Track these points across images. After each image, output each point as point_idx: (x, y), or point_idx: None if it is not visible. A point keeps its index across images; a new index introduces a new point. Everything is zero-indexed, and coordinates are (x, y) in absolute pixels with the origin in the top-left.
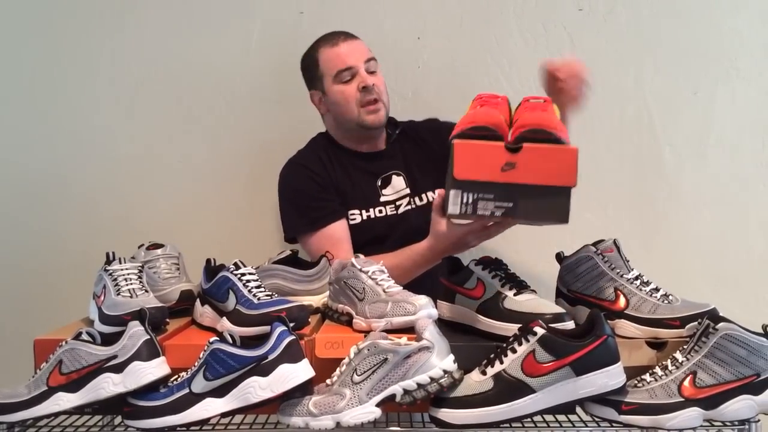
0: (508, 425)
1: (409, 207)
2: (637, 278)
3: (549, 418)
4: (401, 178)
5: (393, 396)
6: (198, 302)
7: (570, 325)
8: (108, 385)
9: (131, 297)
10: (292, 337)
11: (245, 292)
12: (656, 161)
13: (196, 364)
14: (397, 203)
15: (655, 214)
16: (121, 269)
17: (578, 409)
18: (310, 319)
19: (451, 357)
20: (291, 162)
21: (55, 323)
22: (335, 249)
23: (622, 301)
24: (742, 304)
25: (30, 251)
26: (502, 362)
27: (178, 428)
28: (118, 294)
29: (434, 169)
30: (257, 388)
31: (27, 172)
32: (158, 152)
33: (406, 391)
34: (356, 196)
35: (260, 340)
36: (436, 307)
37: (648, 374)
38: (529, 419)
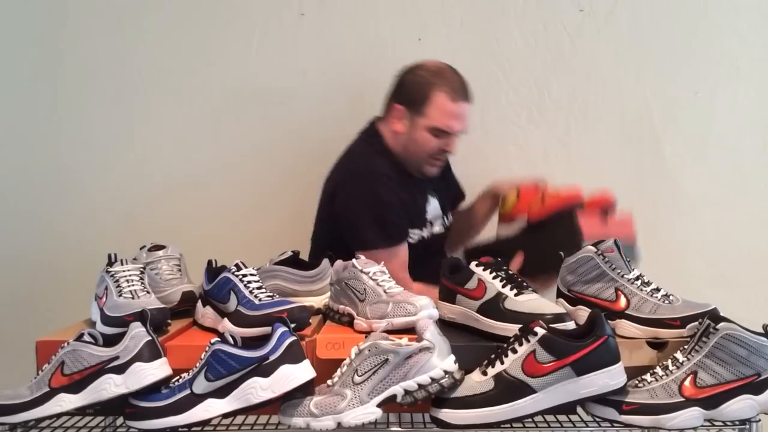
0: (509, 425)
1: (440, 228)
2: (637, 278)
3: (550, 418)
4: (436, 199)
5: (394, 396)
6: (199, 303)
7: (570, 325)
8: (110, 386)
9: (133, 298)
10: (293, 338)
11: (246, 293)
12: (657, 161)
13: (197, 364)
14: (434, 223)
15: (655, 215)
16: (123, 270)
17: (579, 409)
18: (311, 320)
19: (452, 357)
20: (375, 172)
21: (57, 325)
22: (403, 271)
23: (622, 301)
24: (743, 304)
25: (32, 253)
26: (502, 362)
27: (180, 429)
28: (120, 295)
29: (447, 191)
30: (258, 389)
31: (29, 174)
32: (160, 154)
33: (407, 392)
34: (412, 213)
35: (261, 340)
36: (437, 308)
37: (649, 374)
38: (529, 419)
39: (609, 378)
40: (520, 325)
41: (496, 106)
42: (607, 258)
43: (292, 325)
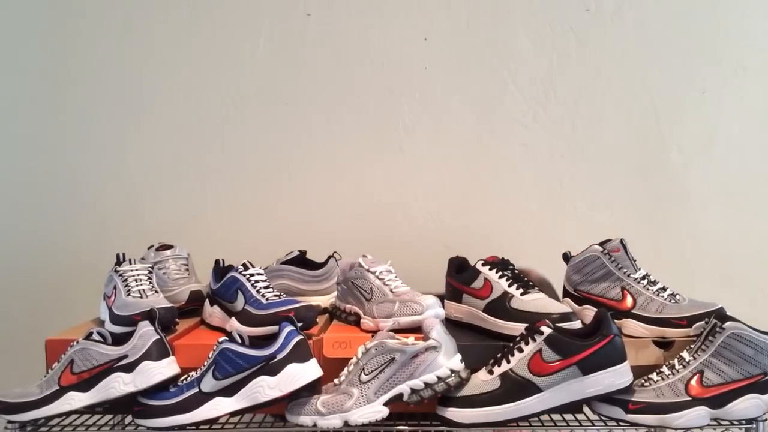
0: (515, 424)
1: None
2: (644, 278)
3: (556, 417)
4: None
5: (400, 395)
6: (207, 302)
7: (577, 324)
8: (118, 385)
9: (141, 297)
10: (301, 337)
11: (254, 292)
12: (663, 161)
13: (205, 363)
14: None
15: (662, 214)
16: (131, 270)
17: (585, 409)
18: (318, 319)
19: (458, 356)
20: None
21: (67, 323)
22: None
23: (629, 301)
24: (750, 303)
25: (41, 253)
26: (509, 361)
27: (188, 427)
28: (129, 294)
29: None
30: (266, 388)
31: (37, 175)
32: (167, 154)
33: (413, 391)
34: None
35: (269, 339)
36: (443, 307)
37: (655, 373)
38: (536, 418)
39: (615, 377)
40: (527, 325)
41: (501, 106)
42: (614, 257)
43: (299, 325)
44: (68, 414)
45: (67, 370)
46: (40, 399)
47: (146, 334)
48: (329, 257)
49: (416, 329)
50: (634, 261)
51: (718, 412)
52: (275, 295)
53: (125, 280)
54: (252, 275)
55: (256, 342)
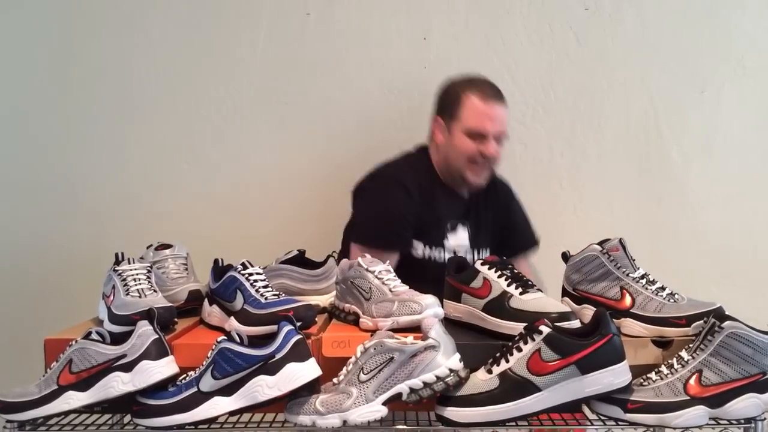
0: (513, 424)
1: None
2: (642, 277)
3: (555, 416)
4: (466, 230)
5: (399, 395)
6: (206, 302)
7: (575, 323)
8: (117, 384)
9: (140, 297)
10: (299, 337)
11: (253, 291)
12: (663, 160)
13: (204, 363)
14: (456, 251)
15: (661, 213)
16: (130, 269)
17: (584, 408)
18: (317, 319)
19: (457, 356)
20: (391, 176)
21: (65, 323)
22: None
23: (627, 300)
24: (749, 302)
25: (40, 252)
26: (507, 361)
27: (187, 426)
28: (127, 294)
29: (493, 232)
30: (264, 387)
31: (36, 174)
32: (166, 153)
33: (412, 390)
34: (429, 231)
35: (267, 339)
36: (442, 306)
37: (654, 373)
38: (534, 418)
39: (614, 376)
40: (525, 324)
41: None
42: (613, 257)
43: (298, 324)
44: (67, 413)
45: (65, 370)
46: (38, 398)
47: (145, 333)
48: (328, 257)
49: (415, 329)
50: (633, 260)
51: (717, 412)
52: (274, 295)
53: (124, 280)
54: (251, 275)
55: (255, 341)
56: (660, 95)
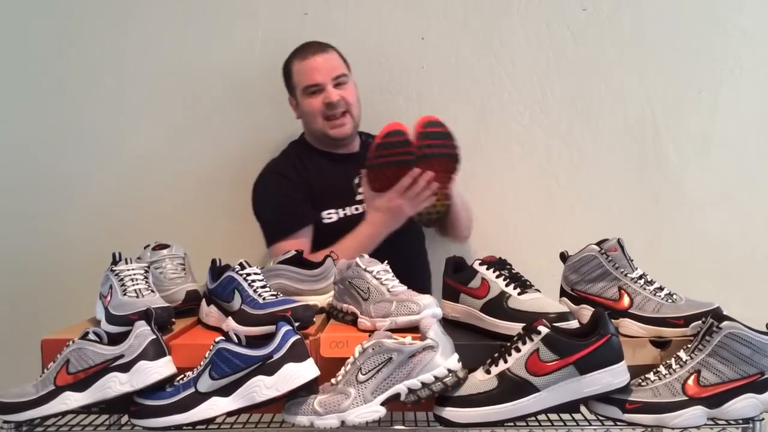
0: (512, 424)
1: None
2: (641, 277)
3: (553, 416)
4: None
5: (397, 395)
6: (204, 302)
7: (574, 324)
8: (115, 385)
9: (137, 297)
10: (297, 337)
11: (250, 291)
12: (660, 160)
13: (201, 363)
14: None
15: (659, 214)
16: (128, 269)
17: (582, 408)
18: (315, 319)
19: (456, 356)
20: (265, 174)
21: (63, 323)
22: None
23: (626, 300)
24: (747, 303)
25: (37, 252)
26: (506, 361)
27: (184, 427)
28: (125, 294)
29: None
30: (262, 387)
31: (33, 173)
32: (164, 153)
33: (410, 390)
34: (333, 195)
35: (265, 339)
36: (441, 307)
37: (652, 373)
38: (533, 418)
39: (612, 377)
40: (524, 324)
41: (498, 105)
42: (611, 257)
43: (296, 324)
44: (64, 414)
45: (62, 370)
46: (35, 399)
47: (142, 333)
48: (326, 257)
49: (413, 329)
50: (631, 260)
51: (715, 412)
52: (272, 295)
53: (121, 280)
54: (249, 275)
55: (253, 342)
56: (657, 95)
